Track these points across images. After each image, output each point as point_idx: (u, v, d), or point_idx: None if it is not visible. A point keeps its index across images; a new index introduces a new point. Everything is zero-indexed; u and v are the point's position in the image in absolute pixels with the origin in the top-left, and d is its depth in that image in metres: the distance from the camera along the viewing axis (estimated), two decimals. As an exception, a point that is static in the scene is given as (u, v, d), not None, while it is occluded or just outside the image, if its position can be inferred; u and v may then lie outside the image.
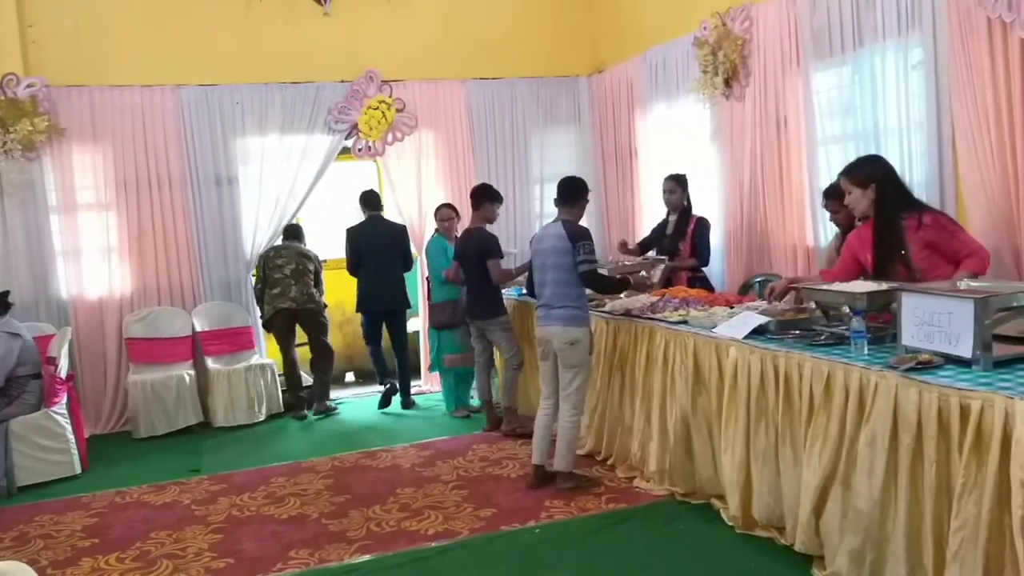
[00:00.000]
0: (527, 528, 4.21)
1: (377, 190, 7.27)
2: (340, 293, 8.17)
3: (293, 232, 7.13)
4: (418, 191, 7.50)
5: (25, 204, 6.47)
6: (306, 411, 6.96)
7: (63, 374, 5.78)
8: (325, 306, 7.12)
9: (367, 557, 3.97)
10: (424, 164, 7.52)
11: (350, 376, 8.36)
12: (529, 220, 7.77)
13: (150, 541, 4.34)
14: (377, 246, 6.83)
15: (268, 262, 6.92)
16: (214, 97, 6.92)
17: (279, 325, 6.93)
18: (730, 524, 4.00)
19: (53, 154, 6.56)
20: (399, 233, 6.99)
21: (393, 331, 7.05)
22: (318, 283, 7.01)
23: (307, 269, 6.93)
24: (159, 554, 4.16)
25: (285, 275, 6.86)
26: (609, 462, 5.07)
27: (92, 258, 6.76)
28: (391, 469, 5.35)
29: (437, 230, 6.72)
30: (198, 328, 6.92)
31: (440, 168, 7.57)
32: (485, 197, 6.04)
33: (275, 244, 7.08)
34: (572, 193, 4.79)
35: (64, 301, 6.71)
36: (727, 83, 5.85)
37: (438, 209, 6.69)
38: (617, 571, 3.67)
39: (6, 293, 5.74)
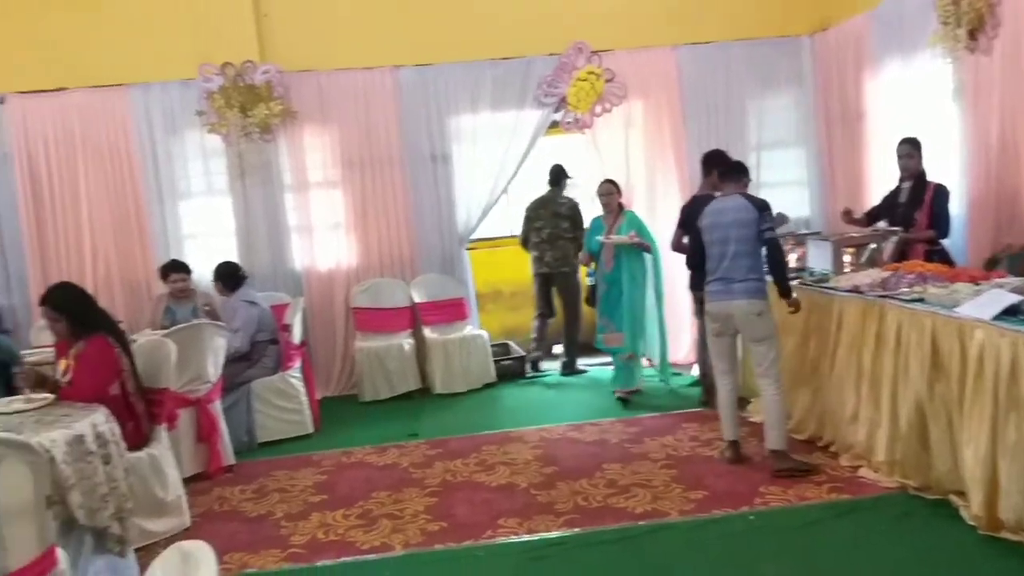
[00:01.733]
0: (740, 514, 4.04)
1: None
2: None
3: (555, 176, 7.25)
4: (626, 162, 7.37)
5: (263, 183, 7.01)
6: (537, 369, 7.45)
7: (297, 340, 6.23)
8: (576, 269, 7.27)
9: (574, 531, 3.98)
10: (632, 135, 7.37)
11: (558, 348, 8.41)
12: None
13: (372, 500, 4.59)
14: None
15: (530, 223, 7.25)
16: (429, 76, 7.14)
17: (537, 288, 7.31)
18: (971, 524, 3.62)
19: (287, 136, 7.05)
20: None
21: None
22: (576, 238, 7.04)
23: (561, 231, 7.14)
24: (379, 513, 4.38)
25: (542, 239, 7.16)
26: (831, 449, 4.75)
27: (322, 233, 7.22)
28: (598, 443, 5.32)
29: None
30: (416, 299, 7.23)
31: (649, 138, 7.38)
32: (715, 163, 5.50)
33: (539, 196, 7.28)
34: (740, 167, 4.90)
35: (298, 273, 7.23)
36: (971, 35, 5.27)
37: (600, 184, 6.46)
38: (839, 568, 3.43)
39: (238, 268, 6.24)
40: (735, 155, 7.28)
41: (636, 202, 7.26)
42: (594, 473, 4.74)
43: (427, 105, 7.15)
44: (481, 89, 7.16)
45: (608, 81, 7.20)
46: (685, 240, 5.66)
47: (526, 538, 3.94)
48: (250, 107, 6.72)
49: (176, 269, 6.08)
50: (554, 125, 7.41)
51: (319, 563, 3.85)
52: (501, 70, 7.17)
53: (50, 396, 3.84)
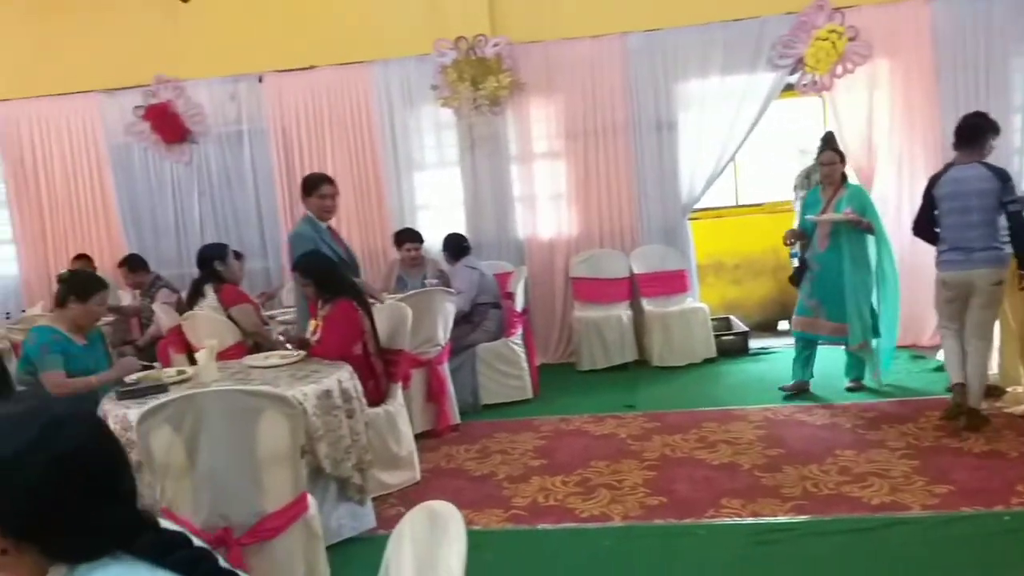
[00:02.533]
0: (993, 513, 3.67)
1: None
2: (775, 237, 7.88)
3: (828, 140, 6.52)
4: (868, 126, 6.84)
5: (491, 155, 7.21)
6: None
7: (519, 308, 6.39)
8: None
9: (803, 518, 3.79)
10: (877, 97, 6.82)
11: (783, 324, 8.05)
12: (1007, 156, 6.65)
13: (590, 469, 4.63)
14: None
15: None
16: (657, 42, 6.98)
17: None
18: None
19: (514, 107, 7.18)
20: None
21: None
22: None
23: None
24: (598, 483, 4.41)
25: None
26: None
27: (544, 203, 7.33)
28: (829, 428, 5.04)
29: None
30: (635, 270, 7.16)
31: (896, 101, 6.80)
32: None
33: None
34: (980, 134, 4.73)
35: (520, 242, 7.39)
36: None
37: (821, 152, 5.87)
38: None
39: (463, 238, 6.46)
40: (998, 118, 6.62)
41: (880, 171, 6.74)
42: (825, 459, 4.49)
43: (654, 71, 7.00)
44: (711, 52, 6.90)
45: (851, 40, 6.69)
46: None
47: (750, 521, 3.81)
48: (480, 80, 6.90)
49: (410, 238, 6.41)
50: (787, 88, 7.02)
51: (539, 526, 3.94)
52: (733, 32, 6.86)
53: (302, 353, 4.19)
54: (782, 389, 5.77)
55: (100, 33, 7.50)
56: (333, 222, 7.09)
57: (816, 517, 3.78)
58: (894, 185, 6.82)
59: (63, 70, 7.55)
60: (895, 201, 6.81)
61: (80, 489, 1.23)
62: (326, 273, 4.50)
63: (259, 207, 7.63)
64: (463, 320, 5.99)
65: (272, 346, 5.06)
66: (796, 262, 5.99)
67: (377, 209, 7.37)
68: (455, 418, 5.56)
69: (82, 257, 7.15)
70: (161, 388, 3.70)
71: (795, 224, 6.10)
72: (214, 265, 5.39)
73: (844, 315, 5.48)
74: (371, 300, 4.77)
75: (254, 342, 5.23)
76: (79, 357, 3.97)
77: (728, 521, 3.83)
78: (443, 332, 5.47)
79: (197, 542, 1.29)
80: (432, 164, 7.45)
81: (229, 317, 5.23)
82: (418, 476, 4.61)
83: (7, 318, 6.97)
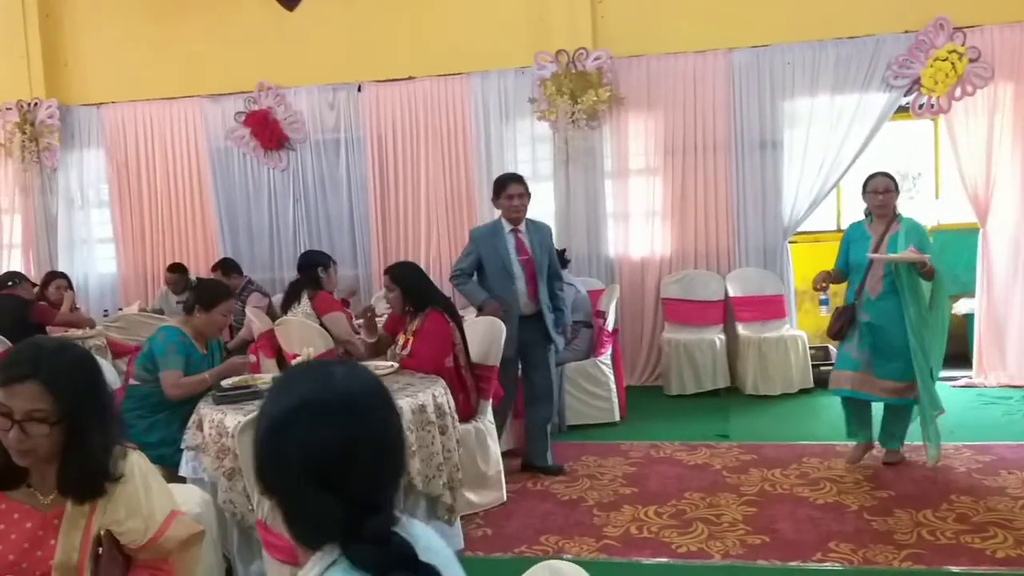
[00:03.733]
0: None
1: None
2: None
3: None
4: (987, 153, 6.47)
5: (585, 169, 7.07)
6: None
7: (610, 327, 6.22)
8: None
9: (920, 568, 3.53)
10: (999, 121, 6.44)
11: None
12: None
13: (684, 501, 4.42)
14: None
15: None
16: (765, 58, 6.75)
17: None
18: None
19: (611, 122, 7.04)
20: None
21: None
22: None
23: None
24: (694, 516, 4.21)
25: None
26: None
27: (638, 220, 7.16)
28: (942, 470, 4.71)
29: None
30: (731, 293, 6.92)
31: (1018, 125, 6.41)
32: None
33: None
34: None
35: (611, 259, 7.22)
36: None
37: (874, 178, 4.74)
38: None
39: (563, 251, 6.33)
40: None
41: (999, 201, 6.39)
42: (940, 504, 4.19)
43: (760, 88, 6.78)
44: (821, 70, 6.64)
45: (972, 61, 6.34)
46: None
47: (863, 568, 3.56)
48: (579, 94, 6.78)
49: None
50: (900, 110, 6.69)
51: (635, 559, 3.77)
52: (846, 49, 6.59)
53: (395, 365, 4.12)
54: (848, 463, 4.84)
55: (207, 39, 7.67)
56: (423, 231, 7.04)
57: (936, 569, 3.51)
58: (1013, 217, 6.42)
59: (170, 75, 7.74)
60: (1014, 231, 6.43)
61: (297, 469, 1.20)
62: (416, 283, 4.44)
63: (352, 215, 7.66)
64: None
65: (362, 357, 5.03)
66: (825, 311, 4.99)
67: (468, 222, 7.30)
68: (543, 437, 5.42)
69: (176, 267, 7.28)
70: (256, 394, 3.67)
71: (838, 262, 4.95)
72: (317, 272, 5.42)
73: (904, 373, 4.56)
74: (498, 311, 4.72)
75: (344, 351, 5.20)
76: (199, 364, 3.99)
77: (839, 567, 3.59)
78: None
79: (426, 559, 1.22)
80: (526, 178, 7.32)
81: (322, 324, 5.22)
82: (505, 497, 4.49)
83: (105, 315, 7.14)
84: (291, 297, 5.46)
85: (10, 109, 7.81)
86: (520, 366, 4.95)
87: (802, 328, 6.94)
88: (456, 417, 3.85)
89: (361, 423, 1.23)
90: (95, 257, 8.25)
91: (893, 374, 4.61)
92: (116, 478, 1.88)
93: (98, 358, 4.50)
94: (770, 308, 6.91)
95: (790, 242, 7.04)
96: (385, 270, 4.71)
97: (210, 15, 7.66)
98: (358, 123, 7.51)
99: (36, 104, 7.80)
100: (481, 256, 4.85)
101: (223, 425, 3.37)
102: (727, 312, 6.95)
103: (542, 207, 7.24)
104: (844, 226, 7.70)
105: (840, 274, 4.84)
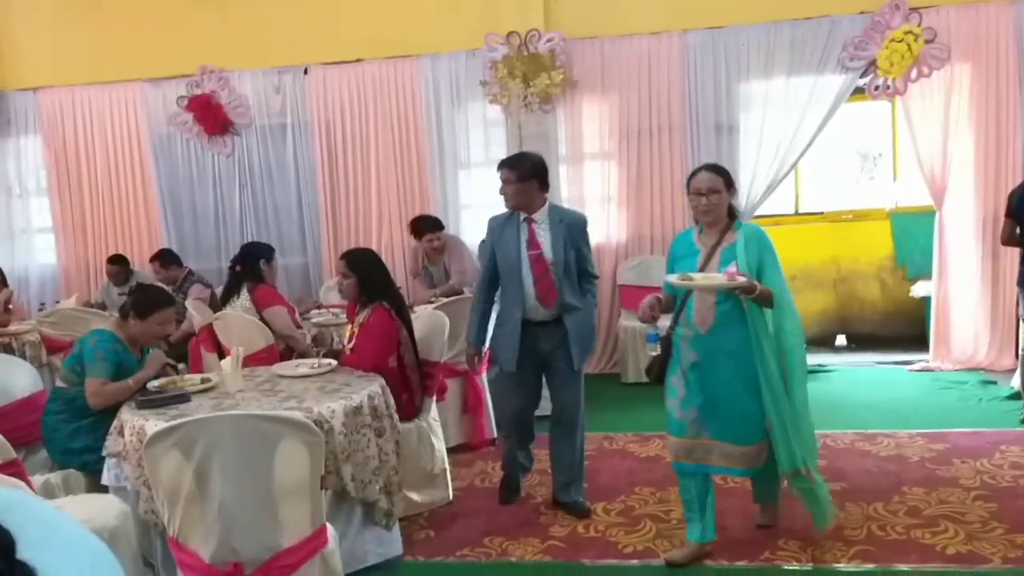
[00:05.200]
0: (1088, 573, 3.30)
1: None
2: (836, 247, 7.52)
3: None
4: (943, 135, 6.41)
5: (539, 154, 6.89)
6: None
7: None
8: None
9: (869, 567, 3.45)
10: (956, 103, 6.38)
11: (841, 339, 7.64)
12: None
13: (634, 496, 4.32)
14: None
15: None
16: (720, 40, 6.62)
17: None
18: None
19: (565, 106, 6.88)
20: None
21: None
22: None
23: None
24: (642, 513, 4.11)
25: None
26: None
27: (593, 206, 7.01)
28: (895, 460, 4.66)
29: None
30: (688, 279, 6.82)
31: (976, 108, 6.35)
32: None
33: None
34: None
35: (568, 245, 7.08)
36: None
37: (696, 174, 3.68)
38: None
39: None
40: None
41: (956, 184, 6.33)
42: (891, 496, 4.13)
43: (716, 71, 6.65)
44: (777, 52, 6.53)
45: (928, 42, 6.26)
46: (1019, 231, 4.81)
47: (810, 567, 3.48)
48: (532, 77, 6.61)
49: (432, 227, 6.14)
50: (856, 92, 6.61)
51: (581, 561, 3.66)
52: (801, 30, 6.47)
53: (333, 363, 3.96)
54: (669, 564, 3.58)
55: (146, 22, 7.36)
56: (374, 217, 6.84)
57: (885, 567, 3.44)
58: (970, 200, 6.38)
59: (108, 58, 7.43)
60: (971, 214, 6.39)
61: None
62: (371, 272, 4.19)
63: (301, 201, 7.44)
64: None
65: (304, 351, 4.86)
66: (655, 350, 3.57)
67: (420, 207, 7.12)
68: (492, 432, 5.29)
69: (117, 259, 7.00)
70: (183, 397, 3.51)
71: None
72: (259, 264, 5.22)
73: (749, 432, 3.45)
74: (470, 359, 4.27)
75: (286, 346, 5.03)
76: (131, 370, 3.79)
77: (786, 566, 3.50)
78: (483, 341, 5.20)
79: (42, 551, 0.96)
80: (478, 162, 7.18)
81: (262, 319, 5.03)
82: (450, 496, 4.36)
83: (40, 309, 6.88)
84: (230, 290, 5.26)
85: (-66, 93, 7.47)
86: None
87: (760, 313, 6.86)
88: (396, 418, 3.70)
89: None
90: (35, 248, 7.95)
91: (735, 434, 3.46)
92: None
93: (19, 359, 4.30)
94: (727, 293, 6.81)
95: (747, 226, 6.94)
96: (341, 255, 4.34)
97: (149, -4, 7.37)
98: (305, 107, 7.28)
99: (-35, 88, 7.48)
100: (495, 250, 4.14)
101: (144, 431, 3.19)
102: (684, 298, 6.84)
103: (495, 192, 7.08)
104: (803, 209, 7.67)
105: (670, 300, 3.58)
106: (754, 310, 3.34)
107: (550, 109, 6.80)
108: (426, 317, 4.54)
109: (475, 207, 7.17)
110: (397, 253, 7.17)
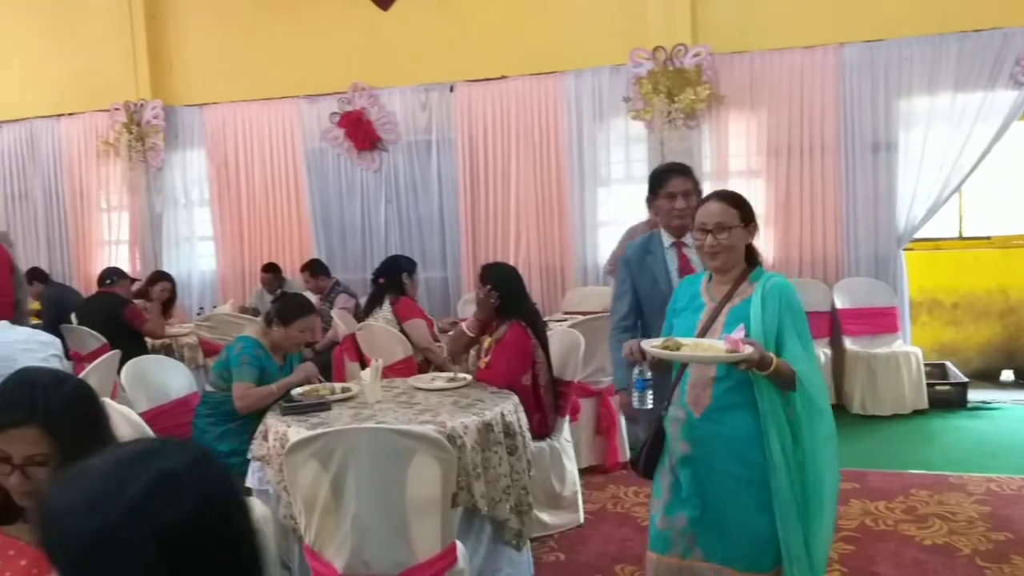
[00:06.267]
0: None
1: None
2: (1004, 275, 6.95)
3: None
4: None
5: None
6: None
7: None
8: None
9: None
10: None
11: (1007, 374, 7.06)
12: None
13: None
14: None
15: None
16: (879, 54, 6.28)
17: None
18: None
19: (711, 121, 6.70)
20: None
21: None
22: None
23: None
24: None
25: None
26: None
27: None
28: (1071, 510, 4.24)
29: None
30: (838, 304, 6.48)
31: None
32: None
33: None
34: None
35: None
36: None
37: (704, 205, 2.93)
38: None
39: None
40: None
41: None
42: (1067, 552, 3.75)
43: (873, 86, 6.33)
44: (941, 67, 6.14)
45: (1119, 54, 5.72)
46: None
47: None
48: (677, 92, 6.48)
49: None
50: (1033, 110, 6.11)
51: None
52: (969, 43, 6.06)
53: (468, 377, 3.97)
54: None
55: (303, 41, 7.72)
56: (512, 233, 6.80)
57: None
58: None
59: (268, 76, 7.83)
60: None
61: (192, 570, 1.01)
62: (511, 288, 4.14)
63: (442, 216, 7.58)
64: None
65: (441, 364, 4.91)
66: (637, 398, 2.59)
67: (558, 224, 7.12)
68: (625, 454, 5.18)
69: (270, 267, 7.36)
70: (324, 406, 3.59)
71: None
72: (401, 277, 5.35)
73: (753, 556, 2.56)
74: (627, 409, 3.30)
75: (424, 358, 5.11)
76: (273, 376, 3.93)
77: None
78: (617, 361, 5.10)
79: None
80: (618, 179, 7.10)
81: (402, 330, 5.13)
82: (581, 519, 4.27)
83: (198, 314, 7.29)
84: (373, 301, 5.41)
85: (118, 110, 8.06)
86: None
87: (917, 344, 6.46)
88: (528, 436, 3.66)
89: None
90: (196, 255, 8.45)
91: (737, 557, 2.58)
92: None
93: (176, 361, 4.54)
94: (881, 321, 6.44)
95: (905, 250, 6.54)
96: (481, 269, 4.30)
97: (306, 16, 7.72)
98: (449, 123, 7.42)
99: (142, 105, 8.04)
100: (635, 285, 3.38)
101: (286, 438, 3.29)
102: (834, 325, 6.52)
103: (636, 210, 6.98)
104: (967, 233, 7.16)
105: (664, 364, 2.64)
106: (767, 392, 2.47)
107: (695, 125, 6.64)
108: (561, 335, 4.49)
109: (613, 225, 7.08)
110: (535, 270, 7.17)
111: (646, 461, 2.76)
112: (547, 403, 4.14)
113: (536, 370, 4.08)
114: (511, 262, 6.86)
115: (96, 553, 0.99)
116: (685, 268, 3.30)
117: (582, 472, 4.61)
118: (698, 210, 2.66)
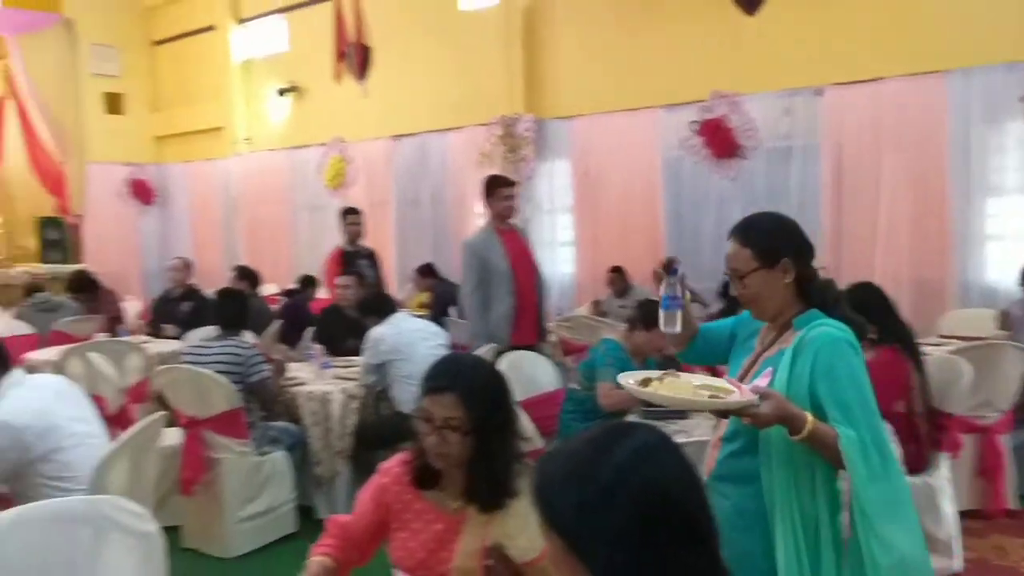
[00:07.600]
0: None
1: None
2: None
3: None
4: None
5: None
6: None
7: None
8: None
9: None
10: None
11: None
12: None
13: None
14: None
15: None
16: None
17: None
18: None
19: None
20: None
21: None
22: None
23: None
24: None
25: None
26: None
27: None
28: None
29: None
30: None
31: None
32: None
33: None
34: None
35: None
36: None
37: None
38: None
39: None
40: None
41: None
42: None
43: None
44: None
45: None
46: None
47: None
48: None
49: None
50: None
51: None
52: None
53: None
54: None
55: (664, 51, 7.85)
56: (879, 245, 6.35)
57: None
58: None
59: (630, 87, 8.07)
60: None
61: (664, 528, 1.13)
62: (878, 311, 3.83)
63: (803, 225, 7.25)
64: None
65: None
66: (673, 322, 2.33)
67: (935, 237, 6.49)
68: (1011, 501, 4.59)
69: (616, 270, 7.67)
70: (682, 413, 3.64)
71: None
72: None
73: None
74: None
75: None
76: None
77: None
78: (1007, 396, 4.53)
79: None
80: (1013, 189, 6.30)
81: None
82: (958, 566, 3.87)
83: (559, 315, 7.74)
84: (730, 312, 5.34)
85: (495, 123, 8.81)
86: None
87: None
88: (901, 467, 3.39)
89: None
90: (557, 258, 8.96)
91: None
92: (514, 494, 1.98)
93: (545, 358, 4.86)
94: None
95: None
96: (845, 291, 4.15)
97: (668, 25, 7.84)
98: (814, 129, 7.10)
99: (516, 118, 8.71)
100: None
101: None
102: None
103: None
104: None
105: None
106: (777, 465, 1.96)
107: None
108: (940, 363, 4.11)
109: (1005, 239, 6.31)
110: (905, 286, 6.60)
111: None
112: (923, 434, 3.81)
113: (911, 397, 3.77)
114: (876, 277, 6.40)
115: (589, 509, 1.13)
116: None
117: (960, 515, 4.18)
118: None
